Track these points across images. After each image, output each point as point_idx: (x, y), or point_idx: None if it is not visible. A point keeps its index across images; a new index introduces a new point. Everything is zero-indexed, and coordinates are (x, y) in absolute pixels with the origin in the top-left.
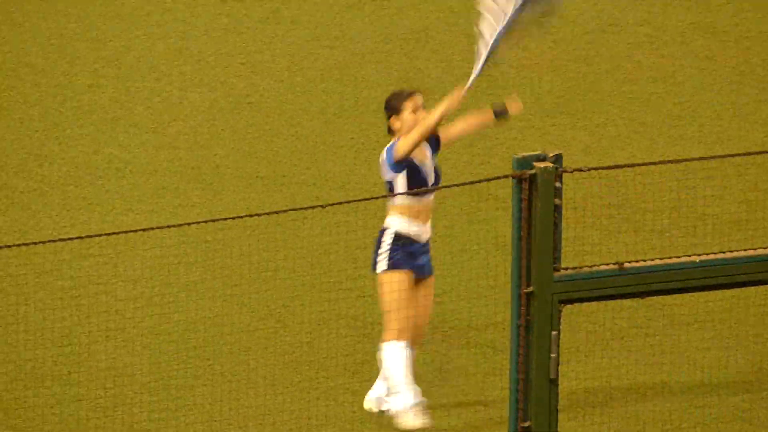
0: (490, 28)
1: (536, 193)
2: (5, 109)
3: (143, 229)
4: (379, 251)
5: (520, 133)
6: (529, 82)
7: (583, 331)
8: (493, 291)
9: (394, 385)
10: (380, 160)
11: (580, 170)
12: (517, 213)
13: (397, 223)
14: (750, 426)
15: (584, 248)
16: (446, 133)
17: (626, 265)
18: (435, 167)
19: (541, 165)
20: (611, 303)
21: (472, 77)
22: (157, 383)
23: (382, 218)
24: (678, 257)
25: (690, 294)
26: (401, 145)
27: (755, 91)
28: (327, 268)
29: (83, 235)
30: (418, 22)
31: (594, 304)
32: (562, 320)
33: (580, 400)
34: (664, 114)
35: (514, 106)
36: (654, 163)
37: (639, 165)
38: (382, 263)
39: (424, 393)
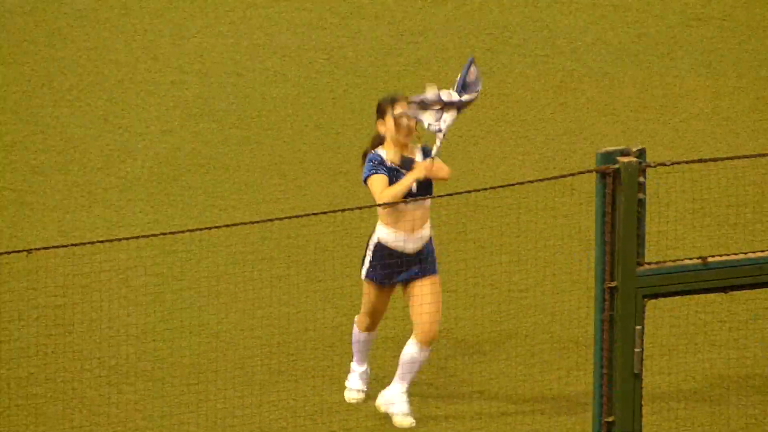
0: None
1: (620, 187)
2: (89, 106)
3: (226, 225)
4: (365, 255)
5: (603, 128)
6: (612, 77)
7: (666, 325)
8: (577, 286)
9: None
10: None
11: (664, 165)
12: (600, 208)
13: (380, 232)
14: None
15: (668, 242)
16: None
17: (710, 259)
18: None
19: (625, 160)
20: (695, 297)
21: (435, 149)
22: (241, 379)
23: (464, 214)
24: (762, 251)
25: None
26: (371, 184)
27: None
28: None
29: (166, 231)
30: (501, 17)
31: (678, 298)
32: (645, 315)
33: (664, 394)
34: (747, 108)
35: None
36: (738, 157)
37: (722, 159)
38: (364, 268)
39: (510, 389)
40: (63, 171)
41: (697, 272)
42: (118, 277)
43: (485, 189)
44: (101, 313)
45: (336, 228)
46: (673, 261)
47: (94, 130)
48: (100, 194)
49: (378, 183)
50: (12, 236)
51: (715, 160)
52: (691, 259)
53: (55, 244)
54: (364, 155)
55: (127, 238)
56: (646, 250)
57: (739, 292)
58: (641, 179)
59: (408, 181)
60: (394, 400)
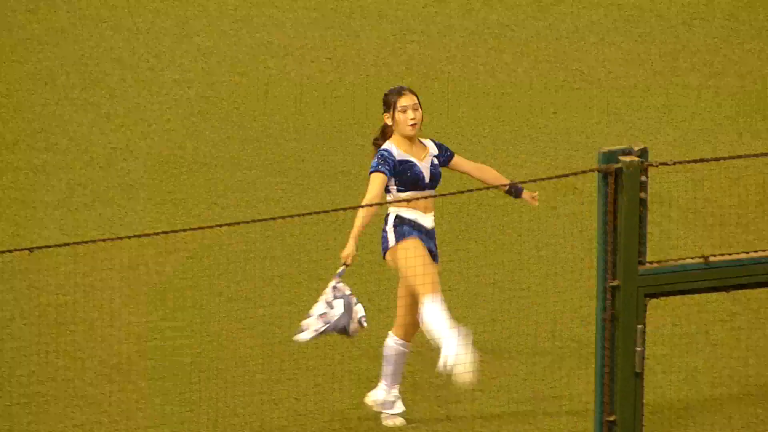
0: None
1: (622, 186)
2: (92, 104)
3: (228, 224)
4: (385, 232)
5: (605, 127)
6: (615, 76)
7: (668, 324)
8: (579, 285)
9: (440, 337)
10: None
11: (666, 164)
12: (602, 207)
13: (396, 209)
14: None
15: (669, 242)
16: (458, 162)
17: (711, 258)
18: (433, 168)
19: (627, 159)
20: (696, 297)
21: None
22: (242, 378)
23: (466, 213)
24: (764, 251)
25: None
26: (369, 186)
27: None
28: None
29: (168, 230)
30: (503, 17)
31: (679, 297)
32: (647, 314)
33: (665, 393)
34: (750, 108)
35: (527, 195)
36: (740, 157)
37: (725, 159)
38: (390, 239)
39: (512, 387)
40: (65, 170)
41: (698, 272)
42: (119, 276)
43: (487, 188)
44: (102, 311)
45: (337, 227)
46: (675, 260)
47: (96, 129)
48: (101, 193)
49: (374, 184)
50: (14, 235)
51: (717, 159)
52: (692, 258)
53: (57, 243)
54: (375, 143)
55: (128, 237)
56: (647, 250)
57: (740, 291)
58: (643, 178)
59: (354, 233)
60: (389, 401)
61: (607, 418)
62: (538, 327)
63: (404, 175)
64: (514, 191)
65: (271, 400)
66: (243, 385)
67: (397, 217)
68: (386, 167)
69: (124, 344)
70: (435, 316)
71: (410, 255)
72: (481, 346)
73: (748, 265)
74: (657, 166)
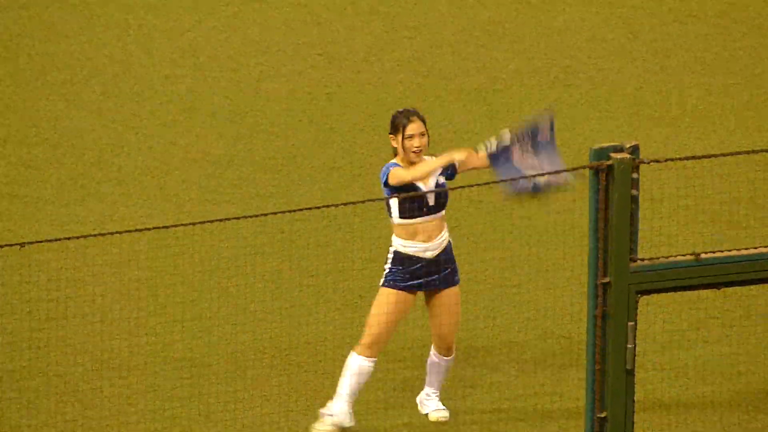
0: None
1: (613, 184)
2: (83, 101)
3: (220, 220)
4: (384, 267)
5: (597, 124)
6: (606, 73)
7: (659, 321)
8: (570, 281)
9: (340, 393)
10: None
11: (657, 161)
12: (594, 204)
13: (395, 242)
14: None
15: (661, 239)
16: (466, 164)
17: (703, 255)
18: (439, 187)
19: (618, 156)
20: (688, 294)
21: (491, 162)
22: (234, 373)
23: (456, 209)
24: (755, 248)
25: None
26: (394, 175)
27: None
28: None
29: (160, 225)
30: (495, 13)
31: (670, 294)
32: (638, 311)
33: (656, 390)
34: (741, 105)
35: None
36: (731, 154)
37: (716, 156)
38: (381, 279)
39: (503, 384)
40: (57, 165)
41: (689, 268)
42: (111, 271)
43: (478, 185)
44: (94, 306)
45: (329, 223)
46: (666, 257)
47: (87, 125)
48: (93, 188)
49: (399, 171)
50: (5, 230)
51: (708, 156)
52: (683, 255)
53: (49, 238)
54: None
55: (120, 232)
56: (639, 247)
57: (731, 288)
58: (634, 175)
59: (435, 164)
60: (426, 398)
61: (599, 415)
62: (528, 324)
63: (406, 201)
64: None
65: (262, 396)
66: (234, 381)
67: (395, 254)
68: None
69: (116, 339)
70: (351, 371)
71: (381, 302)
72: (471, 343)
73: (739, 262)
74: (648, 164)
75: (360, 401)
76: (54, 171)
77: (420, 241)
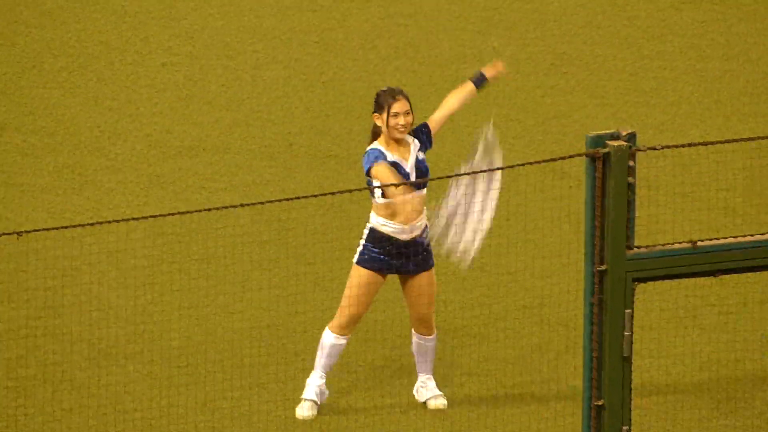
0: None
1: (610, 171)
2: (79, 87)
3: (216, 208)
4: (359, 243)
5: (593, 111)
6: (602, 60)
7: (656, 309)
8: (567, 269)
9: (315, 368)
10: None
11: (654, 149)
12: (590, 191)
13: (373, 219)
14: None
15: (657, 226)
16: (435, 124)
17: (699, 243)
18: (419, 163)
19: (615, 143)
20: (684, 281)
21: (442, 215)
22: (230, 361)
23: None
24: (751, 235)
25: (764, 272)
26: (378, 175)
27: None
28: None
29: (157, 213)
30: (491, 0)
31: (667, 282)
32: (635, 298)
33: (653, 378)
34: (737, 92)
35: (490, 71)
36: (728, 141)
37: (712, 143)
38: (355, 256)
39: (499, 372)
40: (53, 153)
41: (686, 256)
42: (107, 260)
43: (475, 172)
44: (91, 295)
45: (326, 211)
46: (663, 245)
47: (84, 112)
48: (90, 176)
49: (385, 171)
50: (1, 218)
51: (704, 144)
52: (680, 243)
53: (45, 227)
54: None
55: (116, 221)
56: (635, 234)
57: (728, 276)
58: (631, 163)
59: (402, 198)
60: (420, 386)
61: (596, 403)
62: (525, 311)
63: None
64: (480, 81)
65: (258, 384)
66: (231, 369)
67: (371, 231)
68: (382, 158)
69: (112, 328)
70: (325, 345)
71: (353, 281)
72: (468, 331)
73: (736, 250)
74: (645, 151)
75: (356, 388)
76: (50, 159)
77: (399, 222)
